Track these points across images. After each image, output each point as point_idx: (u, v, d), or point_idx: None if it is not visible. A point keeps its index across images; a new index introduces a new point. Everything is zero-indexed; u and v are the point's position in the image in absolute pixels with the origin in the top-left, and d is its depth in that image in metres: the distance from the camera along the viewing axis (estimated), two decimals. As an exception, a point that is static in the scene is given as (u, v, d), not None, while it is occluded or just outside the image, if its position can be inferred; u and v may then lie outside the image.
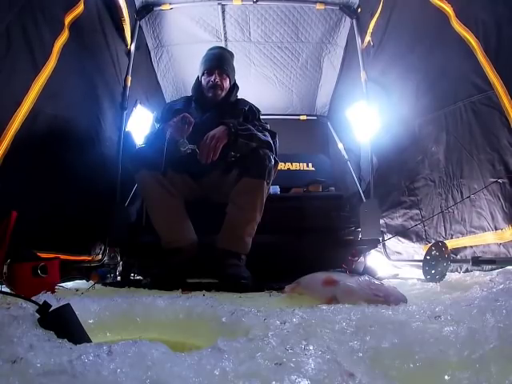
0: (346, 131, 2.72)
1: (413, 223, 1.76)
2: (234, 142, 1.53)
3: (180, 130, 1.48)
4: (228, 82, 1.78)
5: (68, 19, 1.53)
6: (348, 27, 2.49)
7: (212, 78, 1.73)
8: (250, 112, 1.78)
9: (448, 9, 1.42)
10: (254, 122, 1.72)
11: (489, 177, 1.25)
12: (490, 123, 1.24)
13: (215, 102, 1.75)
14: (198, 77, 1.83)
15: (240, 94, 1.90)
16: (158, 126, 1.91)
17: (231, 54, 1.85)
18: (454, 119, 1.43)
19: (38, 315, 0.55)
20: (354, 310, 0.70)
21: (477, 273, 1.28)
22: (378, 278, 1.28)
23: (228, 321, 0.69)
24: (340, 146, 2.82)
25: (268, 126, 1.79)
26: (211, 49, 1.85)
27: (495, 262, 1.21)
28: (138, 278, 2.00)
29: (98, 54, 1.91)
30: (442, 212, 1.52)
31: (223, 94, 1.76)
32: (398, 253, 1.92)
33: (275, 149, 1.69)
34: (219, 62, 1.75)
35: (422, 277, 1.35)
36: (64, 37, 1.48)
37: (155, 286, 1.30)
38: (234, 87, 1.84)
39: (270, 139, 1.65)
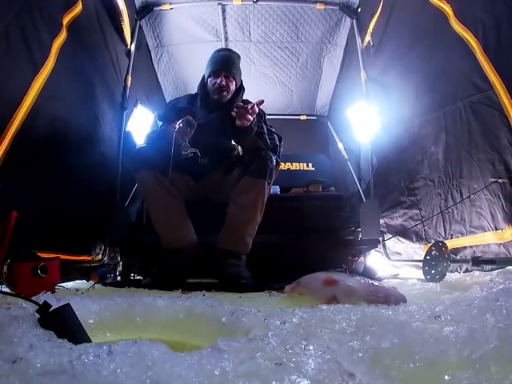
0: (346, 131, 2.72)
1: (412, 223, 1.76)
2: (249, 132, 1.53)
3: (182, 132, 1.48)
4: (234, 84, 1.77)
5: (66, 19, 1.53)
6: (348, 27, 2.49)
7: (218, 81, 1.71)
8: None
9: (447, 8, 1.42)
10: (261, 124, 1.72)
11: (489, 177, 1.25)
12: (490, 123, 1.24)
13: (221, 103, 1.75)
14: (203, 76, 1.81)
15: (240, 94, 1.90)
16: (160, 123, 1.90)
17: (238, 57, 1.84)
18: (454, 119, 1.43)
19: (37, 315, 0.55)
20: (354, 310, 0.70)
21: (477, 273, 1.28)
22: (377, 278, 1.29)
23: (228, 321, 0.69)
24: (340, 145, 2.82)
25: (273, 129, 1.79)
26: (218, 50, 1.84)
27: (495, 262, 1.21)
28: (138, 277, 2.00)
29: (97, 54, 1.91)
30: (441, 212, 1.52)
31: (229, 96, 1.76)
32: (398, 253, 1.92)
33: (279, 152, 1.70)
34: (226, 64, 1.74)
35: (422, 277, 1.35)
36: (62, 37, 1.48)
37: (155, 286, 1.30)
38: (241, 89, 1.84)
39: (277, 143, 1.66)
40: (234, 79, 1.76)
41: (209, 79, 1.76)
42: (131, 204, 2.15)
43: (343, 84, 2.80)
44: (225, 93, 1.73)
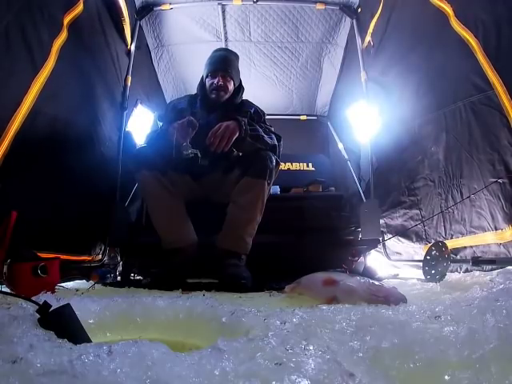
0: (346, 131, 2.72)
1: (413, 223, 1.76)
2: (243, 139, 1.53)
3: (184, 133, 1.47)
4: (232, 84, 1.77)
5: (67, 19, 1.52)
6: (348, 27, 2.49)
7: (215, 81, 1.72)
8: (255, 114, 1.77)
9: (448, 9, 1.42)
10: (260, 124, 1.72)
11: (489, 177, 1.25)
12: (490, 123, 1.24)
13: (220, 103, 1.74)
14: (202, 77, 1.81)
15: (241, 95, 1.90)
16: (160, 124, 1.90)
17: (236, 56, 1.84)
18: (454, 119, 1.43)
19: (37, 315, 0.55)
20: (354, 310, 0.70)
21: (477, 273, 1.28)
22: (377, 278, 1.29)
23: (228, 321, 0.69)
24: (340, 145, 2.82)
25: (273, 128, 1.79)
26: (216, 50, 1.84)
27: (495, 261, 1.21)
28: (138, 278, 2.00)
29: (97, 54, 1.91)
30: (441, 212, 1.52)
31: (227, 96, 1.76)
32: (398, 253, 1.92)
33: (279, 152, 1.70)
34: (223, 64, 1.75)
35: (422, 277, 1.35)
36: (63, 37, 1.48)
37: (155, 286, 1.29)
38: (240, 89, 1.83)
39: (276, 142, 1.66)
40: (232, 79, 1.76)
41: (207, 79, 1.76)
42: (131, 204, 2.15)
43: (343, 84, 2.80)
44: (222, 92, 1.73)
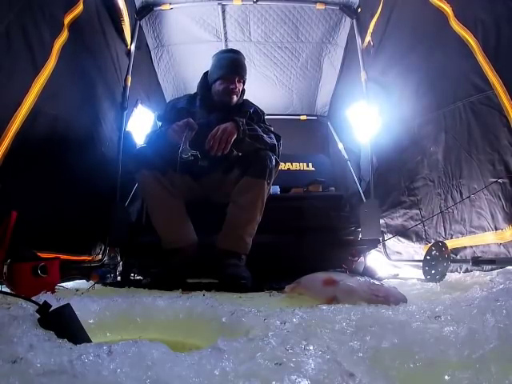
0: (346, 131, 2.72)
1: (413, 223, 1.76)
2: (241, 140, 1.53)
3: (184, 136, 1.47)
4: (242, 86, 1.77)
5: (67, 19, 1.52)
6: (348, 27, 2.50)
7: (232, 86, 1.69)
8: (254, 114, 1.77)
9: (447, 9, 1.42)
10: (260, 124, 1.71)
11: (489, 177, 1.25)
12: (490, 123, 1.24)
13: (224, 105, 1.73)
14: (204, 75, 1.80)
15: (241, 94, 1.89)
16: (160, 124, 1.90)
17: (244, 58, 1.81)
18: (453, 119, 1.43)
19: (38, 315, 0.55)
20: (354, 310, 0.70)
21: (477, 273, 1.28)
22: (378, 278, 1.29)
23: (228, 321, 0.69)
24: (340, 145, 2.82)
25: (272, 128, 1.79)
26: (225, 52, 1.82)
27: (495, 262, 1.21)
28: (138, 278, 2.00)
29: (98, 53, 1.91)
30: (441, 212, 1.52)
31: (237, 98, 1.75)
32: (398, 253, 1.92)
33: (278, 151, 1.69)
34: (239, 69, 1.73)
35: (422, 277, 1.35)
36: (63, 37, 1.48)
37: (155, 286, 1.29)
38: (243, 90, 1.84)
39: (275, 142, 1.66)
40: (244, 82, 1.76)
41: (217, 82, 1.72)
42: (131, 204, 2.15)
43: (343, 84, 2.80)
44: (235, 96, 1.73)
